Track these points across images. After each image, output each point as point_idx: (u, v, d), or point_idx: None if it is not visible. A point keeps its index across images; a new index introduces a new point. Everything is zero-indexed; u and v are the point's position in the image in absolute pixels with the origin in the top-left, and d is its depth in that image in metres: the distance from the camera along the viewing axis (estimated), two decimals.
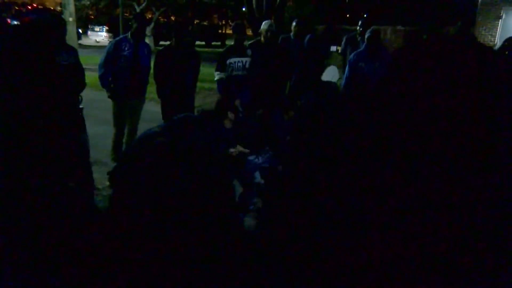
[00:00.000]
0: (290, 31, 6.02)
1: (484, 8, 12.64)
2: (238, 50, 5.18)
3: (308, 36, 4.41)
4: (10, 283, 0.86)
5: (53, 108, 1.69)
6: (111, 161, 4.85)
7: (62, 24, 4.06)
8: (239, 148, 3.77)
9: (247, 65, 5.17)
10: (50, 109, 1.68)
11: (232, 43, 5.27)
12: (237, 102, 3.86)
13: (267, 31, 5.36)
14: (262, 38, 5.43)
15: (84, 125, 1.83)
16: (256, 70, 5.21)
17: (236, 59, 5.13)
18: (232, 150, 3.71)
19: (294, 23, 5.96)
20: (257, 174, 3.98)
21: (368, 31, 5.44)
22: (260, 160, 3.91)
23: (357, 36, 6.26)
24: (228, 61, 5.10)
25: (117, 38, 5.00)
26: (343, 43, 6.44)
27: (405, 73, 1.04)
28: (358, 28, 6.27)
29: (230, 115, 3.47)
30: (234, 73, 5.13)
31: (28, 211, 1.20)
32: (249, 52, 5.22)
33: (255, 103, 4.96)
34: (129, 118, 4.90)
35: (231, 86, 5.10)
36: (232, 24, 5.98)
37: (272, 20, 5.62)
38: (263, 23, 5.53)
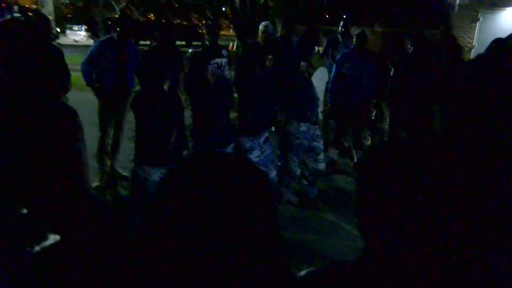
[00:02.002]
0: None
1: (462, 11, 12.91)
2: (213, 51, 5.13)
3: (297, 38, 4.46)
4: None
5: (37, 114, 1.63)
6: (96, 163, 4.77)
7: (46, 23, 3.98)
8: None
9: (222, 65, 5.11)
10: (34, 115, 1.61)
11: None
12: None
13: (262, 32, 5.42)
14: (260, 40, 5.49)
15: (79, 132, 1.72)
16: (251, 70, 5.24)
17: (215, 60, 5.08)
18: None
19: (280, 25, 6.00)
20: (273, 172, 4.00)
21: (357, 32, 5.50)
22: (261, 157, 3.90)
23: (339, 37, 6.31)
24: (209, 63, 5.03)
25: (102, 39, 4.92)
26: (324, 44, 6.48)
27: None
28: (340, 28, 6.33)
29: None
30: (216, 75, 5.07)
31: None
32: (224, 52, 5.20)
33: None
34: (115, 119, 4.83)
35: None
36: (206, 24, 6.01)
37: (268, 22, 5.64)
38: (260, 24, 5.58)
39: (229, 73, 5.06)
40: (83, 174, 1.67)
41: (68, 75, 4.25)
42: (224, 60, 5.12)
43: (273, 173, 4.03)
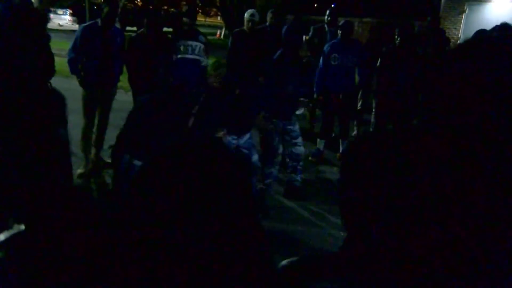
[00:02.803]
0: (264, 21, 6.03)
1: (448, 2, 12.98)
2: (189, 34, 5.06)
3: (285, 27, 4.44)
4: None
5: (16, 99, 1.60)
6: (81, 152, 4.72)
7: (30, 7, 3.88)
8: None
9: (197, 50, 5.02)
10: (13, 100, 1.58)
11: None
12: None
13: (248, 20, 5.42)
14: (245, 27, 5.48)
15: (63, 117, 1.71)
16: (238, 57, 5.23)
17: (188, 42, 4.97)
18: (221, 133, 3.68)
19: (270, 14, 5.98)
20: (255, 155, 4.00)
21: (342, 22, 5.50)
22: (240, 141, 3.90)
23: (325, 26, 6.30)
24: (178, 44, 4.94)
25: (86, 24, 4.83)
26: (310, 33, 6.47)
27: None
28: (326, 18, 6.32)
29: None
30: (183, 55, 4.96)
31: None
32: (201, 38, 5.13)
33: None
34: (100, 107, 4.76)
35: (184, 69, 4.98)
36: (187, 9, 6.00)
37: (254, 10, 5.64)
38: (246, 12, 5.57)
39: (205, 59, 4.97)
40: (64, 160, 1.66)
41: (52, 60, 4.17)
42: (199, 44, 5.01)
43: (255, 157, 4.04)
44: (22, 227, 0.79)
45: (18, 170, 1.41)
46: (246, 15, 5.54)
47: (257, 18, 5.51)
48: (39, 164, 1.50)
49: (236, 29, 5.84)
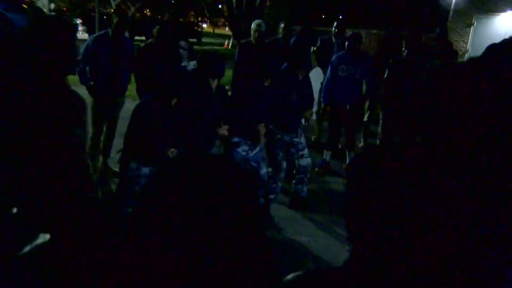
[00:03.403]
0: (272, 32, 6.06)
1: (456, 15, 13.00)
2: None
3: (293, 38, 4.45)
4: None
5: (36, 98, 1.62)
6: (88, 160, 4.74)
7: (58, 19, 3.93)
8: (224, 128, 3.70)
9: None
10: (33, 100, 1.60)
11: (203, 39, 5.28)
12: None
13: (255, 31, 5.42)
14: (252, 38, 5.48)
15: (80, 117, 1.70)
16: (244, 69, 5.24)
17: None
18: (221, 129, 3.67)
19: (282, 25, 5.99)
20: (263, 169, 3.99)
21: (350, 34, 5.52)
22: (250, 154, 3.90)
23: (332, 38, 6.32)
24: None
25: (97, 34, 4.88)
26: (317, 44, 6.49)
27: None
28: (333, 29, 6.34)
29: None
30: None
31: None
32: (184, 44, 5.26)
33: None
34: (109, 116, 4.80)
35: None
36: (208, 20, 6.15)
37: (261, 21, 5.65)
38: (253, 22, 5.57)
39: (191, 64, 5.04)
40: (79, 161, 1.66)
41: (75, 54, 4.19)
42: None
43: (263, 170, 4.03)
44: (47, 236, 0.80)
45: (35, 171, 1.42)
46: (253, 25, 5.53)
47: (263, 28, 5.49)
48: (54, 164, 1.51)
49: (243, 40, 5.84)
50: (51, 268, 0.75)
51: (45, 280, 0.74)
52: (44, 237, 0.81)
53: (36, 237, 0.80)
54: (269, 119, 4.13)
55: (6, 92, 1.50)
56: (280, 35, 5.93)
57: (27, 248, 0.79)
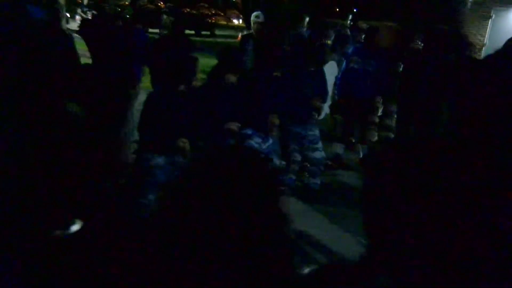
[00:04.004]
0: (284, 24, 6.01)
1: (474, 7, 12.74)
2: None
3: (308, 31, 4.43)
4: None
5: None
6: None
7: (58, 9, 3.97)
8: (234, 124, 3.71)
9: None
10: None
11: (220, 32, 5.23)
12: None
13: (254, 22, 5.32)
14: (253, 31, 5.41)
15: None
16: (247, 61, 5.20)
17: None
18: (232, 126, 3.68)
19: (307, 19, 5.93)
20: (275, 161, 4.01)
21: (367, 27, 5.47)
22: (262, 146, 3.91)
23: (347, 31, 6.27)
24: None
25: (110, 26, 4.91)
26: (332, 38, 6.44)
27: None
28: (348, 22, 6.28)
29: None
30: None
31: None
32: None
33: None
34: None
35: None
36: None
37: (260, 12, 5.50)
38: (252, 14, 5.46)
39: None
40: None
41: (77, 61, 4.25)
42: None
43: (276, 162, 4.04)
44: (81, 223, 0.81)
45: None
46: (252, 17, 5.39)
47: (262, 19, 5.35)
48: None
49: (244, 33, 5.72)
50: (85, 254, 0.77)
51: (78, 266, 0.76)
52: (79, 223, 0.82)
53: (72, 223, 0.82)
54: (282, 111, 4.13)
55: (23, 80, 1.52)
56: (305, 28, 5.85)
57: (60, 233, 0.81)
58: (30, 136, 1.32)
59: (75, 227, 0.83)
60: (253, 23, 5.33)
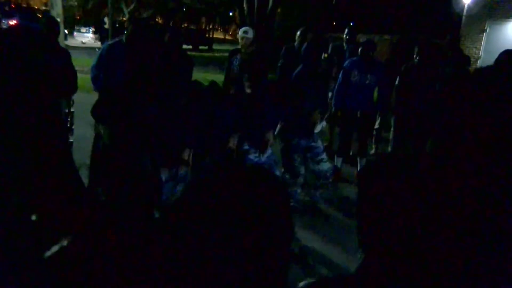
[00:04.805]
0: (279, 39, 6.06)
1: (469, 21, 12.89)
2: None
3: (304, 44, 4.46)
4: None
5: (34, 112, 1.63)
6: None
7: (56, 26, 4.01)
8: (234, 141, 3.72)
9: None
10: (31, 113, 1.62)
11: (217, 47, 5.27)
12: None
13: (241, 38, 5.38)
14: (240, 46, 5.46)
15: (66, 130, 1.71)
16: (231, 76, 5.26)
17: None
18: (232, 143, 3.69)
19: (299, 33, 5.98)
20: (276, 173, 4.00)
21: (364, 40, 5.51)
22: (261, 158, 3.91)
23: (344, 44, 6.31)
24: None
25: (111, 42, 4.94)
26: (329, 51, 6.48)
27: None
28: (344, 36, 6.33)
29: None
30: None
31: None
32: None
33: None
34: None
35: None
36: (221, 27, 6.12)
37: (248, 27, 5.54)
38: (240, 30, 5.52)
39: None
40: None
41: (74, 77, 4.28)
42: None
43: (276, 173, 4.04)
44: (66, 241, 0.81)
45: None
46: (240, 32, 5.44)
47: (250, 35, 5.39)
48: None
49: (233, 48, 5.77)
50: (73, 270, 0.77)
51: (67, 282, 0.75)
52: (62, 243, 0.82)
53: (55, 242, 0.82)
54: (285, 125, 4.15)
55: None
56: (296, 43, 5.91)
57: (48, 253, 0.81)
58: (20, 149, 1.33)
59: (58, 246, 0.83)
60: (241, 39, 5.37)
